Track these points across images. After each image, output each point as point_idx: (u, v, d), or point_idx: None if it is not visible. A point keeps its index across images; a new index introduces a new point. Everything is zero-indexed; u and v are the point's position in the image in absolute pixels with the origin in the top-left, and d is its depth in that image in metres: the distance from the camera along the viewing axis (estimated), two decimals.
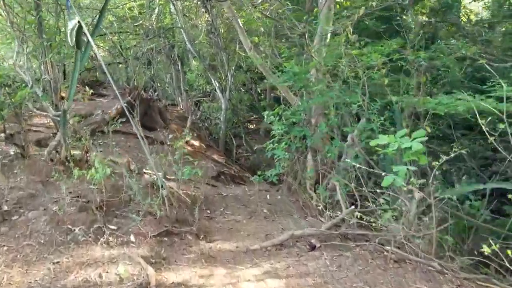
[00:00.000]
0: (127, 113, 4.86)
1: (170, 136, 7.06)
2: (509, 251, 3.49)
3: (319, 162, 6.70)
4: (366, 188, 6.02)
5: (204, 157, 9.98)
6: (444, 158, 4.37)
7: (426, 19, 13.28)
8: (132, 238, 4.40)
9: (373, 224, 4.92)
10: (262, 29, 10.02)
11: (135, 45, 14.85)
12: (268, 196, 6.70)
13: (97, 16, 6.97)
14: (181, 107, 14.67)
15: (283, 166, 6.86)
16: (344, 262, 4.19)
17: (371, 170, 5.04)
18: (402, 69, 8.34)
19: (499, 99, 8.35)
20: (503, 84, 6.62)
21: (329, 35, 7.83)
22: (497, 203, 6.93)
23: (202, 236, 4.90)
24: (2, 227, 4.45)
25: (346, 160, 6.06)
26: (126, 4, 12.92)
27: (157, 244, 4.44)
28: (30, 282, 3.68)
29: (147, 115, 10.31)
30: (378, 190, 6.30)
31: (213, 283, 3.84)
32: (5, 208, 4.76)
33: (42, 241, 4.22)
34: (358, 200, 5.75)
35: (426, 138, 4.87)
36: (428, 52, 8.46)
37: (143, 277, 3.79)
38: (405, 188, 5.09)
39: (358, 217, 4.86)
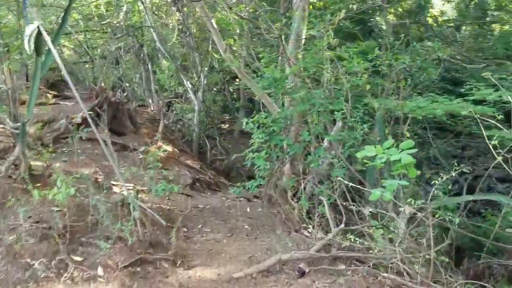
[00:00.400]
0: (90, 121, 4.24)
1: (142, 148, 6.43)
2: None
3: (300, 171, 6.25)
4: (350, 199, 5.67)
5: (177, 163, 9.39)
6: (444, 177, 3.98)
7: (400, 20, 13.07)
8: (100, 271, 3.82)
9: (364, 243, 4.51)
10: (237, 30, 9.47)
11: (102, 44, 14.08)
12: (248, 209, 6.20)
13: (62, 14, 6.34)
14: (152, 109, 14.00)
15: (263, 176, 6.40)
16: None
17: (356, 186, 4.62)
18: (380, 72, 8.01)
19: (476, 102, 8.19)
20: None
21: (303, 36, 7.42)
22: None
23: (179, 262, 4.36)
24: None
25: (334, 171, 5.64)
26: (92, 1, 12.13)
27: (129, 276, 3.87)
28: None
29: (115, 119, 9.64)
30: (363, 204, 5.98)
31: None
32: None
33: None
34: (343, 213, 5.36)
35: (416, 150, 4.53)
36: (405, 54, 8.16)
37: None
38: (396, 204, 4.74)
39: (349, 239, 4.42)
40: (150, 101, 14.19)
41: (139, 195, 6.12)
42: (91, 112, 7.57)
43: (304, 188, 6.11)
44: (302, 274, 4.11)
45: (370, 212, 5.43)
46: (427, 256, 3.93)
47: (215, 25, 8.50)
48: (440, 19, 15.57)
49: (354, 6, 7.28)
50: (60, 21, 5.73)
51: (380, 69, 6.80)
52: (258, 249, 4.82)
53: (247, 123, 6.40)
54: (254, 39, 10.07)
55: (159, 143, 9.67)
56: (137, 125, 10.36)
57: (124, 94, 14.03)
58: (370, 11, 11.56)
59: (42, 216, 4.45)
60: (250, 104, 14.70)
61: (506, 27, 17.57)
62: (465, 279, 4.33)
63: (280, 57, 8.17)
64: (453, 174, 3.93)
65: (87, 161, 7.49)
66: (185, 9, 11.22)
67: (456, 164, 4.28)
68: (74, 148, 7.30)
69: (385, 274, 3.89)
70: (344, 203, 5.50)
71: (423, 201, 3.94)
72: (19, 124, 5.10)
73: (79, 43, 13.87)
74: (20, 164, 5.28)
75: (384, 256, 4.19)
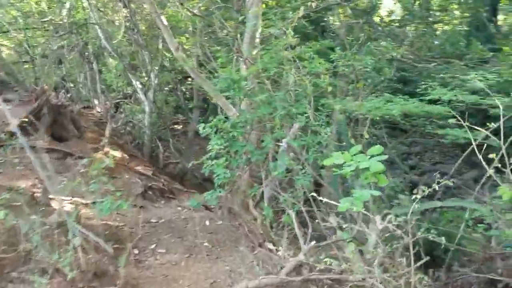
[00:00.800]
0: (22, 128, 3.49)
1: (85, 160, 5.65)
2: None
3: (263, 179, 5.71)
4: (315, 207, 5.21)
5: (127, 170, 8.59)
6: (427, 190, 3.56)
7: (351, 20, 12.83)
8: None
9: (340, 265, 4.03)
10: (190, 28, 8.78)
11: (43, 43, 12.92)
12: (207, 222, 5.58)
13: None
14: (98, 110, 13.00)
15: (222, 184, 5.80)
16: None
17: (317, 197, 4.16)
18: (337, 73, 7.64)
19: (430, 102, 8.00)
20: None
21: (258, 35, 6.90)
22: None
23: None
24: None
25: (298, 179, 5.14)
26: None
27: None
28: None
29: (57, 123, 8.69)
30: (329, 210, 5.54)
31: None
32: None
33: None
34: (309, 223, 4.89)
35: (386, 157, 4.15)
36: (361, 54, 7.85)
37: None
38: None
39: (324, 261, 3.93)
40: (96, 102, 13.19)
41: (83, 211, 5.39)
42: (26, 118, 6.69)
43: (267, 197, 5.57)
44: None
45: (338, 223, 5.00)
46: (408, 279, 3.51)
47: (165, 22, 7.79)
48: (387, 19, 15.56)
49: (314, 4, 6.75)
50: None
51: (340, 70, 6.37)
52: (221, 271, 4.23)
53: (203, 128, 5.77)
54: (207, 37, 9.41)
55: (106, 149, 8.82)
56: (82, 129, 9.43)
57: (68, 95, 12.98)
58: (322, 11, 11.20)
59: None
60: (205, 104, 14.05)
61: (448, 27, 17.96)
62: None
63: (235, 57, 7.61)
64: (436, 187, 3.52)
65: (25, 172, 6.60)
66: (132, 5, 10.40)
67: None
68: (9, 158, 6.43)
69: None
70: (311, 210, 5.08)
71: (404, 217, 3.48)
72: None
73: (19, 42, 12.67)
74: None
75: (362, 277, 3.73)
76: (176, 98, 13.92)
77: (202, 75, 7.55)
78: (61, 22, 11.36)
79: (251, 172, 6.04)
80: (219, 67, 6.36)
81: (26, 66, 13.98)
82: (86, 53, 12.68)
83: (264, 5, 8.59)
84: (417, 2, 16.66)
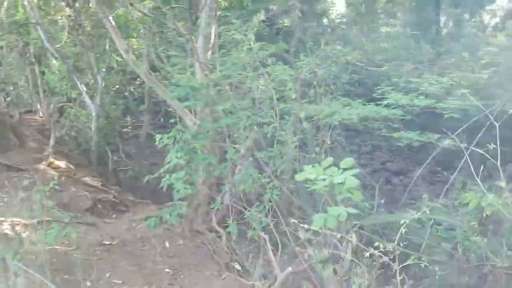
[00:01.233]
0: None
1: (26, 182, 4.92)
2: None
3: (227, 193, 5.25)
4: (283, 222, 4.84)
5: (74, 182, 7.81)
6: (415, 215, 3.27)
7: (304, 22, 12.60)
8: None
9: None
10: (141, 29, 8.11)
11: None
12: (167, 243, 5.03)
13: None
14: (41, 115, 11.94)
15: (182, 198, 5.28)
16: None
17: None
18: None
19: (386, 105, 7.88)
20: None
21: (213, 38, 6.44)
22: None
23: None
24: None
25: (266, 192, 4.74)
26: None
27: None
28: None
29: None
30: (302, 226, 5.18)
31: None
32: None
33: None
34: (277, 237, 4.52)
35: (358, 171, 3.87)
36: (316, 58, 7.57)
37: None
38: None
39: None
40: (39, 106, 12.11)
41: (26, 233, 4.72)
42: None
43: (234, 211, 5.12)
44: None
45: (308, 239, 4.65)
46: None
47: (113, 22, 7.13)
48: (337, 21, 15.57)
49: (274, 7, 6.37)
50: None
51: (304, 76, 6.03)
52: None
53: (160, 139, 5.22)
54: (159, 39, 8.77)
55: (51, 159, 8.00)
56: (23, 137, 8.51)
57: (8, 98, 11.84)
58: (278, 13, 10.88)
59: None
60: (156, 107, 13.36)
61: (392, 30, 18.30)
62: None
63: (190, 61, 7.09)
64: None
65: None
66: (76, 4, 9.55)
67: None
68: None
69: None
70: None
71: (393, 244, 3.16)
72: None
73: None
74: None
75: None
76: (125, 101, 13.10)
77: (155, 80, 6.97)
78: None
79: (215, 186, 5.56)
80: (177, 73, 5.82)
81: None
82: (27, 54, 11.58)
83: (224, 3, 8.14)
84: (363, 6, 16.83)
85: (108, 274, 4.26)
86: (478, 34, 14.08)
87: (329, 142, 7.18)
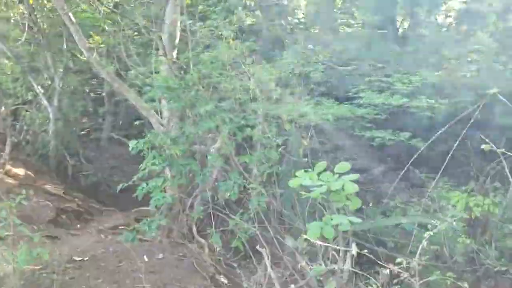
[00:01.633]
0: None
1: None
2: None
3: (209, 201, 4.87)
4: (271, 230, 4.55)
5: (34, 190, 7.12)
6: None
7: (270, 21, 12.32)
8: None
9: None
10: (106, 27, 7.52)
11: None
12: (145, 257, 4.57)
13: None
14: None
15: (158, 207, 4.86)
16: None
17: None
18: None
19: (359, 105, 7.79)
20: None
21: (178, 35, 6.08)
22: None
23: None
24: None
25: (252, 200, 4.40)
26: None
27: None
28: None
29: None
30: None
31: None
32: None
33: None
34: (265, 246, 4.22)
35: (358, 176, 3.68)
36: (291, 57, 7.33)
37: None
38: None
39: None
40: None
41: None
42: None
43: (217, 220, 4.76)
44: None
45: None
46: None
47: (73, 19, 6.57)
48: (299, 20, 15.39)
49: (253, 3, 6.03)
50: None
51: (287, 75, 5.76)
52: None
53: (135, 144, 4.78)
54: (124, 37, 8.17)
55: (8, 167, 7.30)
56: None
57: None
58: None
59: None
60: (117, 108, 12.67)
61: (350, 30, 18.37)
62: None
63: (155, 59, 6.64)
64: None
65: None
66: (30, 0, 8.81)
67: None
68: None
69: None
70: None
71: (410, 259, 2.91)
72: None
73: None
74: None
75: None
76: (84, 103, 12.35)
77: (120, 80, 6.48)
78: None
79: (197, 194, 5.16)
80: (152, 73, 5.37)
81: None
82: None
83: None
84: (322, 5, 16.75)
85: None
86: (435, 34, 14.28)
87: (305, 143, 6.96)
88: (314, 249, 4.41)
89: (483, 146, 3.67)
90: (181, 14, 5.89)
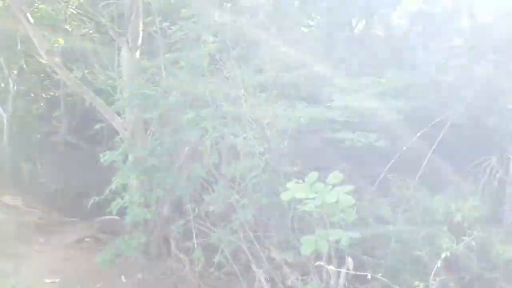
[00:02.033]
0: None
1: None
2: None
3: (191, 215, 4.53)
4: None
5: None
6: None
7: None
8: None
9: None
10: (68, 26, 6.97)
11: None
12: (123, 278, 4.18)
13: None
14: None
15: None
16: None
17: None
18: None
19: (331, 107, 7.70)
20: None
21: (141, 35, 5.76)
22: None
23: None
24: None
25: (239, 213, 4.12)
26: None
27: None
28: None
29: None
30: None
31: None
32: None
33: None
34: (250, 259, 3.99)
35: (351, 188, 3.55)
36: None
37: None
38: None
39: None
40: None
41: None
42: None
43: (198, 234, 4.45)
44: None
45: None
46: None
47: (31, 20, 6.07)
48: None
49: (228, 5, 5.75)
50: None
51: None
52: None
53: (105, 156, 4.38)
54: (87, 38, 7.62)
55: None
56: None
57: None
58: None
59: None
60: (75, 111, 11.93)
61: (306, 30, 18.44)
62: None
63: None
64: None
65: None
66: None
67: None
68: None
69: None
70: None
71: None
72: None
73: None
74: None
75: None
76: (40, 105, 11.56)
77: (81, 83, 6.02)
78: None
79: (177, 207, 4.80)
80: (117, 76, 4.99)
81: None
82: None
83: None
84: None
85: None
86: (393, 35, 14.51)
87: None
88: (302, 261, 4.22)
89: None
90: (152, 16, 5.55)
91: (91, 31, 7.39)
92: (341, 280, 3.62)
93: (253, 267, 3.67)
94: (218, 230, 4.34)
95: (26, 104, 10.62)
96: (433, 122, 5.68)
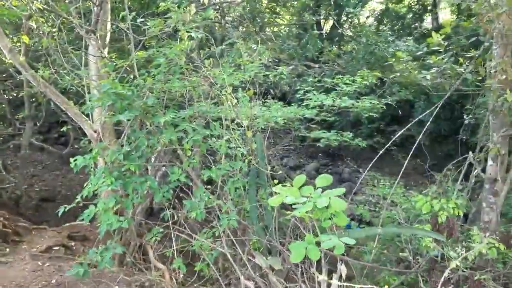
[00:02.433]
0: None
1: None
2: None
3: (169, 221, 4.24)
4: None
5: None
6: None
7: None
8: None
9: None
10: (33, 24, 6.47)
11: None
12: None
13: None
14: None
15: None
16: None
17: None
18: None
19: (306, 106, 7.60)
20: None
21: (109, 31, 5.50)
22: None
23: None
24: None
25: (222, 219, 3.87)
26: None
27: None
28: None
29: None
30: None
31: None
32: None
33: None
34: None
35: (344, 190, 3.33)
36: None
37: None
38: None
39: None
40: None
41: None
42: None
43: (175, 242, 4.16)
44: None
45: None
46: None
47: None
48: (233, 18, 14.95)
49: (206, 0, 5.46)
50: None
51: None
52: None
53: (75, 160, 4.01)
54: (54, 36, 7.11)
55: None
56: None
57: None
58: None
59: None
60: (39, 113, 11.33)
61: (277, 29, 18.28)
62: None
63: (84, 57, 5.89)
64: None
65: None
66: None
67: None
68: None
69: None
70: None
71: None
72: None
73: None
74: None
75: None
76: (2, 107, 10.89)
77: (47, 83, 5.61)
78: None
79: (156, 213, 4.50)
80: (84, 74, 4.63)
81: None
82: None
83: None
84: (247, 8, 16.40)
85: None
86: (361, 34, 14.51)
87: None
88: (288, 267, 4.03)
89: None
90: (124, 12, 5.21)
91: (55, 29, 6.92)
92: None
93: (238, 274, 3.42)
94: (199, 237, 4.09)
95: None
96: (413, 122, 5.63)
